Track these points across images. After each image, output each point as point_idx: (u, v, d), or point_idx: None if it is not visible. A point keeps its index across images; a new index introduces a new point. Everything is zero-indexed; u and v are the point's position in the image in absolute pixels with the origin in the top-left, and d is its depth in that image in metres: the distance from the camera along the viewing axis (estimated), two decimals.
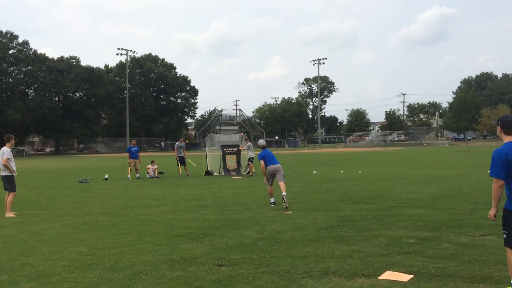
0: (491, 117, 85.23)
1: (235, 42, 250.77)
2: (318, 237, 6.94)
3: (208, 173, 20.89)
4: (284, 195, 10.17)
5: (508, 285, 4.50)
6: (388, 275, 4.99)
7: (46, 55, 78.26)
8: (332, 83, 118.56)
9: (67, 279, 5.14)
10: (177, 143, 21.72)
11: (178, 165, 21.15)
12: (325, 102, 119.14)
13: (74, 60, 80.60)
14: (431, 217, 8.43)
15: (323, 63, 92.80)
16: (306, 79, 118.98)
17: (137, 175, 19.88)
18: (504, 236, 4.30)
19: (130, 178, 19.50)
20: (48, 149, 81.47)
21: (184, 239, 7.07)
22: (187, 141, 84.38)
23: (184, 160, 21.14)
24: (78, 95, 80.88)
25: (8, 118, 66.87)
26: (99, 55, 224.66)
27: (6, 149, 10.16)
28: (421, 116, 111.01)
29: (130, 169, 20.16)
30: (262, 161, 11.07)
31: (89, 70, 79.62)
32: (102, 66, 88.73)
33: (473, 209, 9.12)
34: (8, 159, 10.11)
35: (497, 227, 7.00)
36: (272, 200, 10.72)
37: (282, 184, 10.55)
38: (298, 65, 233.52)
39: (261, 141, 12.02)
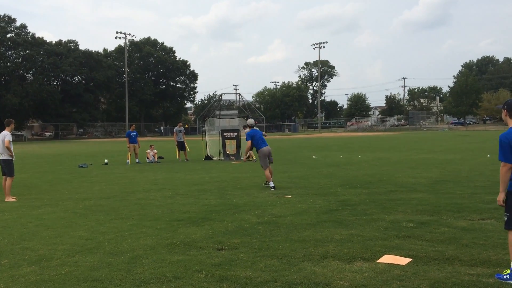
0: (491, 101, 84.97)
1: (236, 25, 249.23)
2: (317, 221, 6.96)
3: (207, 157, 20.89)
4: (270, 183, 10.74)
5: (507, 268, 4.52)
6: (387, 258, 5.01)
7: (44, 38, 77.84)
8: (333, 67, 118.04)
9: (68, 263, 5.17)
10: (176, 127, 21.54)
11: (177, 150, 21.06)
12: (325, 86, 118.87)
13: (72, 44, 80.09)
14: (430, 201, 8.45)
15: (324, 47, 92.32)
16: (307, 63, 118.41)
17: (137, 160, 19.87)
18: (505, 218, 4.33)
19: (129, 163, 19.50)
20: (47, 134, 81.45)
21: (184, 223, 7.10)
22: (186, 126, 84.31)
23: (184, 145, 20.94)
24: (76, 79, 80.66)
25: (7, 103, 66.73)
26: (97, 38, 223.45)
27: (7, 133, 10.13)
28: (422, 100, 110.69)
29: (130, 154, 20.13)
30: (250, 141, 11.13)
31: (88, 54, 79.17)
32: (100, 50, 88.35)
33: (472, 193, 9.14)
34: (10, 141, 10.09)
35: (496, 211, 7.03)
36: (271, 184, 10.69)
37: (270, 168, 10.93)
38: (298, 49, 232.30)
39: (250, 120, 11.99)
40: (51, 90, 74.75)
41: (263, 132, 12.23)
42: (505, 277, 4.30)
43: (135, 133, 20.30)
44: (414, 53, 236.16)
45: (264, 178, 11.53)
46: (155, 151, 20.68)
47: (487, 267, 4.65)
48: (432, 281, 4.27)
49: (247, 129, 11.76)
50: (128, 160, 19.93)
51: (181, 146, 20.90)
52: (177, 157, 20.93)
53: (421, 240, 5.74)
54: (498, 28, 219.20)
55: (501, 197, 4.35)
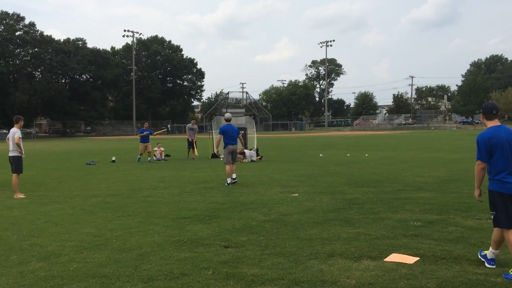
0: (500, 100, 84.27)
1: (243, 24, 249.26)
2: (324, 220, 6.95)
3: (214, 155, 20.92)
4: (234, 176, 11.49)
5: None
6: (394, 257, 5.00)
7: (53, 36, 78.34)
8: (340, 65, 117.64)
9: (76, 259, 5.21)
10: (188, 125, 21.20)
11: (188, 148, 20.79)
12: (332, 85, 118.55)
13: (80, 42, 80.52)
14: (438, 200, 8.41)
15: (331, 45, 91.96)
16: (314, 62, 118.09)
17: (149, 159, 19.53)
18: (492, 216, 4.60)
19: (140, 161, 19.33)
20: (55, 132, 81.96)
21: (191, 221, 7.12)
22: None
23: (194, 143, 20.54)
24: (84, 77, 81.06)
25: (16, 100, 67.24)
26: (105, 37, 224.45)
27: (16, 129, 10.21)
28: (429, 99, 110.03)
29: (141, 154, 19.65)
30: (220, 135, 11.93)
31: (96, 52, 79.55)
32: (108, 48, 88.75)
33: (480, 193, 9.07)
34: (20, 138, 10.18)
35: None
36: (228, 180, 11.26)
37: (233, 166, 11.61)
38: (306, 47, 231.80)
39: (227, 115, 12.65)
40: (59, 88, 75.21)
41: (241, 132, 12.64)
42: None
43: (149, 131, 19.79)
44: (422, 52, 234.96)
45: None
46: (162, 148, 20.74)
47: (496, 266, 4.63)
48: (440, 280, 4.25)
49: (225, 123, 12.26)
50: (149, 158, 19.50)
51: (190, 144, 20.57)
52: (187, 155, 20.87)
53: (429, 239, 5.71)
54: (507, 27, 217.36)
55: (476, 193, 4.81)
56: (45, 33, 77.02)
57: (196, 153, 20.60)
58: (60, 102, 73.97)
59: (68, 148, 34.74)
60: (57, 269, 4.85)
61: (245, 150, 17.46)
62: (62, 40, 79.57)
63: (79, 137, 73.61)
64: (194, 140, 20.56)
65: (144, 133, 19.48)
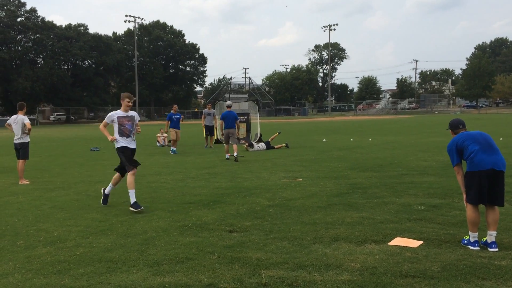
0: (504, 83, 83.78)
1: (247, 8, 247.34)
2: (328, 204, 6.97)
3: (218, 141, 20.92)
4: (236, 155, 13.25)
5: None
6: (398, 241, 5.02)
7: (54, 22, 77.88)
8: (343, 50, 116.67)
9: (82, 244, 5.25)
10: (205, 110, 19.20)
11: (205, 135, 18.99)
12: (335, 69, 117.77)
13: (82, 28, 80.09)
14: (442, 184, 8.41)
15: (334, 30, 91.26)
16: (317, 46, 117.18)
17: (172, 149, 16.60)
18: (464, 195, 4.97)
19: (176, 151, 16.54)
20: (58, 118, 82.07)
21: (196, 206, 7.15)
22: (196, 110, 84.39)
23: (213, 130, 18.78)
24: (87, 63, 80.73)
25: (19, 87, 67.21)
26: (107, 22, 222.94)
27: (24, 116, 10.23)
28: (433, 83, 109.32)
29: (172, 141, 17.05)
30: (222, 121, 14.00)
31: (97, 37, 79.16)
32: (110, 34, 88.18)
33: None
34: (30, 123, 10.22)
35: (508, 194, 6.97)
36: (227, 156, 13.53)
37: (234, 146, 13.49)
38: (310, 31, 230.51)
39: (228, 102, 14.83)
40: (62, 74, 75.02)
41: (239, 118, 14.80)
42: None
43: (178, 116, 17.27)
44: (427, 35, 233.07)
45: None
46: (165, 134, 20.74)
47: (500, 249, 4.64)
48: (444, 264, 4.27)
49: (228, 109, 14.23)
50: (172, 148, 16.61)
51: (209, 130, 18.72)
52: (205, 142, 18.93)
53: (433, 223, 5.73)
54: None
55: (464, 197, 5.03)
56: (46, 19, 76.66)
57: (213, 141, 19.07)
58: (63, 88, 73.90)
59: (72, 134, 34.82)
60: (64, 254, 4.89)
61: (253, 143, 17.32)
62: (63, 26, 79.16)
63: (82, 123, 73.72)
64: (215, 127, 18.82)
65: (174, 118, 17.09)
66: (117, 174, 7.40)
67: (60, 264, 4.59)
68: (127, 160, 7.11)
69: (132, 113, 7.25)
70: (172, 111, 17.67)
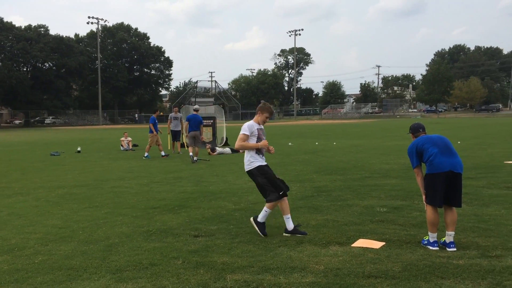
0: (462, 89, 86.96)
1: (214, 11, 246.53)
2: (293, 208, 7.02)
3: (183, 145, 20.72)
4: (195, 159, 14.01)
5: (475, 250, 4.68)
6: (361, 242, 5.11)
7: (13, 23, 75.31)
8: (308, 54, 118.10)
9: (41, 251, 5.08)
10: (171, 114, 18.12)
11: (170, 140, 18.30)
12: (301, 74, 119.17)
13: (42, 29, 77.72)
14: (403, 186, 8.64)
15: (299, 35, 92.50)
16: (283, 51, 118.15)
17: (162, 153, 16.13)
18: (424, 196, 5.09)
19: (167, 154, 16.39)
20: (17, 122, 79.24)
21: (160, 211, 7.06)
22: (161, 114, 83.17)
23: (179, 135, 17.87)
24: (47, 65, 78.39)
25: None
26: (69, 23, 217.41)
27: None
28: (395, 88, 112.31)
29: (150, 146, 16.27)
30: (187, 122, 14.72)
31: (59, 39, 77.02)
32: (72, 35, 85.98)
33: None
34: None
35: (466, 196, 7.23)
36: (190, 154, 14.05)
37: (196, 149, 14.36)
38: (277, 36, 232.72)
39: (196, 106, 16.05)
40: (21, 76, 72.50)
41: (205, 122, 16.02)
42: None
43: (178, 116, 17.15)
44: (389, 41, 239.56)
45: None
46: (129, 138, 20.39)
47: (457, 249, 4.80)
48: (405, 264, 4.38)
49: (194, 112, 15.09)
50: (162, 152, 16.08)
51: (176, 135, 17.83)
52: (171, 149, 18.05)
53: (394, 225, 5.87)
54: (471, 17, 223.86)
55: (423, 199, 5.13)
56: (5, 20, 73.99)
57: (183, 140, 17.97)
58: (22, 91, 71.37)
59: (31, 138, 33.68)
60: (22, 262, 4.72)
61: (217, 148, 17.25)
62: (23, 27, 76.61)
63: (43, 127, 71.44)
64: (182, 132, 17.75)
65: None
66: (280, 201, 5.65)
67: (18, 272, 4.42)
68: (272, 183, 5.55)
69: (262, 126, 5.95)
70: (173, 113, 18.18)
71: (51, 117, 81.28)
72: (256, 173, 5.60)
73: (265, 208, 5.58)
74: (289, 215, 5.56)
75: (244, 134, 5.65)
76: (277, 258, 4.66)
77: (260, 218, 5.58)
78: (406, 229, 5.64)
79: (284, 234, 5.52)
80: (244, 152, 5.88)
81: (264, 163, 5.69)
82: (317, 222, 6.07)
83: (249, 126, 5.70)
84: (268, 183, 5.54)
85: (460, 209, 6.54)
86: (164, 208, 7.24)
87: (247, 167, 5.68)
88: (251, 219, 5.72)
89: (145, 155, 15.82)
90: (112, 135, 30.29)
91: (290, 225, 5.53)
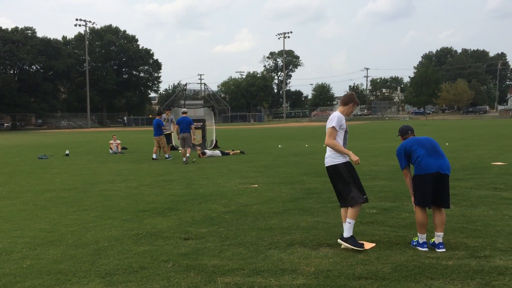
0: (450, 91, 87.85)
1: (203, 14, 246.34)
2: (283, 210, 7.03)
3: (173, 148, 20.65)
4: (188, 156, 14.28)
5: (463, 250, 4.73)
6: None
7: (0, 25, 74.46)
8: (298, 57, 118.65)
9: (29, 256, 5.02)
10: (163, 115, 17.80)
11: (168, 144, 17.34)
12: (290, 76, 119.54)
13: (29, 31, 76.90)
14: (392, 188, 8.69)
15: (289, 37, 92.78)
16: (272, 53, 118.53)
17: (167, 155, 16.26)
18: (412, 197, 5.12)
19: (171, 157, 16.22)
20: (4, 125, 78.26)
21: (150, 214, 7.02)
22: (150, 116, 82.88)
23: (170, 138, 17.76)
24: (34, 68, 77.56)
25: None
26: (56, 26, 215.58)
27: None
28: (384, 90, 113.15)
29: (157, 148, 16.22)
30: (177, 126, 14.98)
31: (46, 41, 76.25)
32: (59, 38, 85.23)
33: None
34: None
35: (454, 197, 7.30)
36: (184, 159, 14.18)
37: (188, 150, 14.53)
38: (266, 39, 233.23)
39: (184, 109, 16.30)
40: (7, 79, 71.61)
41: (194, 124, 15.68)
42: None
43: (188, 120, 15.68)
44: (378, 44, 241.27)
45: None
46: (118, 141, 20.26)
47: (446, 250, 4.84)
48: (395, 265, 4.41)
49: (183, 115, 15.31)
50: (166, 154, 16.22)
51: (167, 138, 17.32)
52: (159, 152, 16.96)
53: (384, 226, 5.90)
54: (458, 20, 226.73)
55: (412, 200, 5.14)
56: None
57: (169, 148, 17.35)
58: (9, 94, 70.48)
59: (18, 142, 33.29)
60: (9, 267, 4.66)
61: (206, 151, 17.12)
62: (10, 29, 75.74)
63: (30, 130, 70.67)
64: (171, 134, 17.74)
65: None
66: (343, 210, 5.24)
67: (6, 277, 4.36)
68: (356, 183, 5.04)
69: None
70: (183, 116, 16.09)
71: (39, 120, 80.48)
72: (343, 169, 5.00)
73: (348, 220, 4.95)
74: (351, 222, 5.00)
75: (333, 128, 5.00)
76: (267, 260, 4.66)
77: (346, 233, 4.96)
78: (396, 230, 5.68)
79: (338, 240, 5.06)
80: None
81: (347, 160, 5.07)
82: (307, 224, 6.08)
83: (339, 119, 5.04)
84: (353, 182, 5.02)
85: (449, 210, 6.60)
86: (154, 211, 7.20)
87: (332, 161, 5.05)
88: (339, 240, 5.03)
89: (166, 156, 16.22)
90: (101, 138, 30.06)
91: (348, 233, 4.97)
